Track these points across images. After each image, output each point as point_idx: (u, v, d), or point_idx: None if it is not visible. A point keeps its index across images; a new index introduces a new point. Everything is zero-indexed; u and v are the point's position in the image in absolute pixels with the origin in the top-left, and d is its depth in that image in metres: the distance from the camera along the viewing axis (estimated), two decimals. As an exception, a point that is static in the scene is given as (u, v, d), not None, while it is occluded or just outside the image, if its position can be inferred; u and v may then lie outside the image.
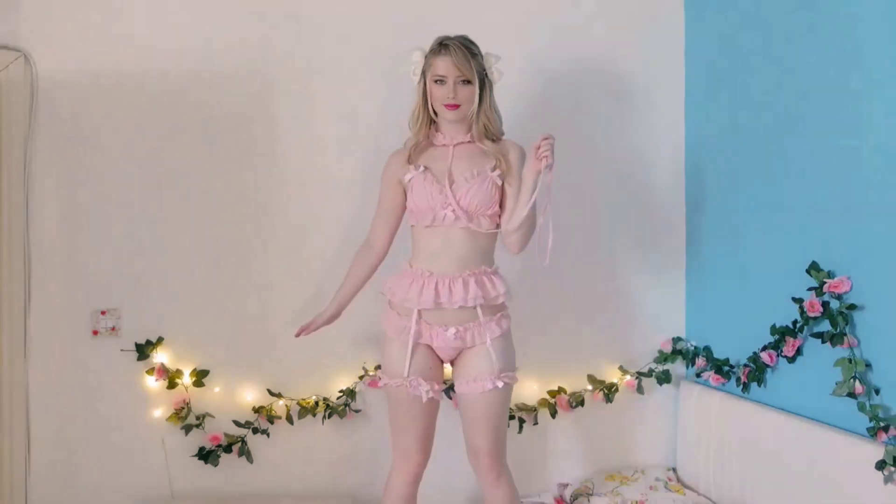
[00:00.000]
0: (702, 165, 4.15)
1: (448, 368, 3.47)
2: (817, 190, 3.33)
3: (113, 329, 3.88)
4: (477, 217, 3.31)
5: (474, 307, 3.28)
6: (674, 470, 4.20)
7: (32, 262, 3.79)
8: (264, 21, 3.95)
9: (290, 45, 4.00)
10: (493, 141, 3.35)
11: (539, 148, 3.12)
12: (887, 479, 2.91)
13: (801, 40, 3.43)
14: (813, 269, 3.28)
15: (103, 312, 3.87)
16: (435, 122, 3.39)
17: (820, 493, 3.20)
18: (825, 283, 3.22)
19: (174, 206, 3.94)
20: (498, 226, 3.37)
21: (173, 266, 3.94)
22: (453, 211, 3.28)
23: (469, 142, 3.37)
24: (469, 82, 3.27)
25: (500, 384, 3.28)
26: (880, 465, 2.93)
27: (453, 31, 3.60)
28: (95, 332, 3.86)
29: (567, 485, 4.07)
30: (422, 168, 3.34)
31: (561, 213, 3.80)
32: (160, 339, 3.91)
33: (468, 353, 3.33)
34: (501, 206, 3.37)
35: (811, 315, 3.28)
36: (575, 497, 3.94)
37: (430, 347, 3.35)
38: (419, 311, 3.29)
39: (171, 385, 3.89)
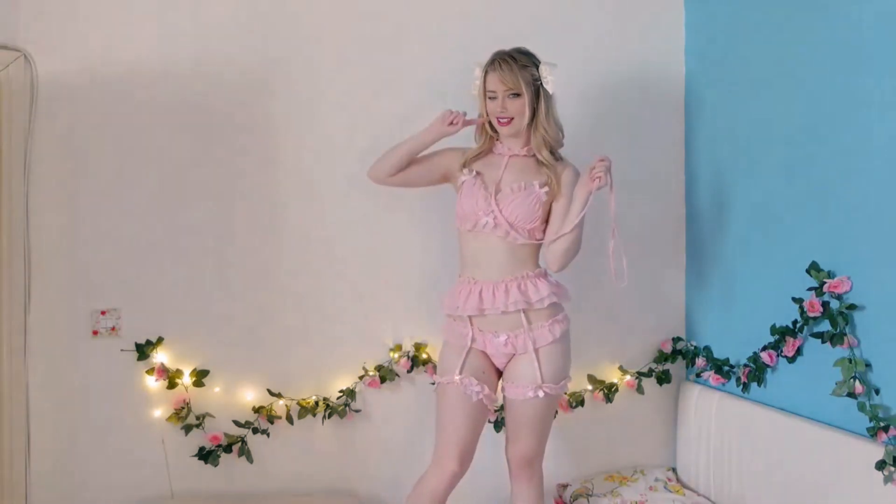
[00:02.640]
0: (701, 165, 4.15)
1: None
2: (817, 190, 3.33)
3: (113, 329, 3.86)
4: (517, 229, 3.33)
5: (524, 313, 3.32)
6: (674, 470, 4.20)
7: (32, 262, 3.76)
8: (264, 22, 3.95)
9: (290, 46, 3.99)
10: (552, 153, 3.38)
11: (594, 168, 3.21)
12: (887, 479, 2.91)
13: (802, 40, 3.43)
14: (813, 268, 3.28)
15: (103, 312, 3.85)
16: (493, 136, 3.44)
17: (820, 494, 3.20)
18: (825, 282, 3.22)
19: (174, 205, 3.93)
20: (539, 240, 3.40)
21: (173, 266, 3.93)
22: (494, 219, 3.31)
23: (525, 154, 3.41)
24: (518, 95, 3.30)
25: (542, 394, 3.32)
26: (880, 465, 2.93)
27: (451, 30, 3.78)
28: (95, 333, 3.84)
29: (567, 485, 4.08)
30: (474, 172, 3.38)
31: None
32: (160, 339, 3.90)
33: (517, 358, 3.38)
34: (547, 222, 3.40)
35: (811, 315, 3.28)
36: (575, 497, 3.94)
37: (485, 354, 3.40)
38: (470, 318, 3.35)
39: (171, 385, 3.88)
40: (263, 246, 4.00)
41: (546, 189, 3.36)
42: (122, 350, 3.88)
